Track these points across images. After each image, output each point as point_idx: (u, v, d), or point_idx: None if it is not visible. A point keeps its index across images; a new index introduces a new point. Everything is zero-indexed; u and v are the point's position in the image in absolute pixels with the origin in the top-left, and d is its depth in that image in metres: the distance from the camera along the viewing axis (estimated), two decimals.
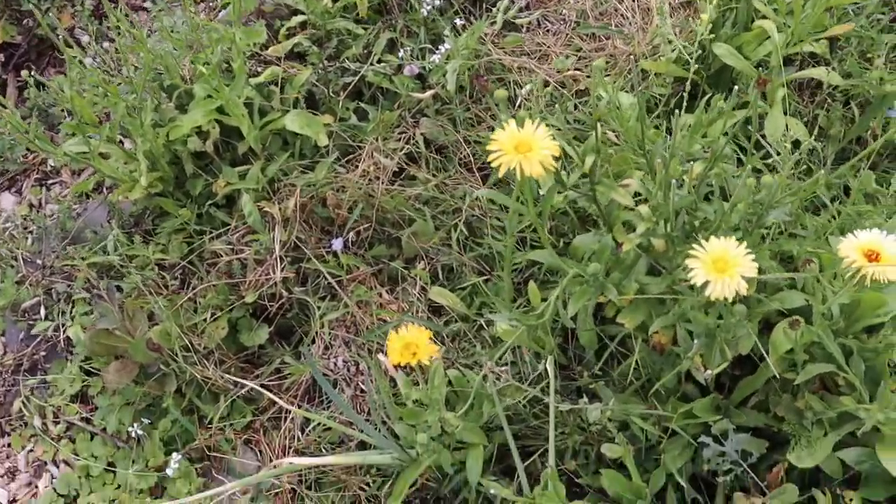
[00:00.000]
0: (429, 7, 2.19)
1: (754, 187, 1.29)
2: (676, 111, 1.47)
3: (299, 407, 1.81)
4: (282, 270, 1.86)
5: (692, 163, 1.43)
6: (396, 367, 1.35)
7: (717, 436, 1.52)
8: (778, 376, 1.55)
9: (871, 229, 1.27)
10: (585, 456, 1.66)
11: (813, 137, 1.96)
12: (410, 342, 1.32)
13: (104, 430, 1.89)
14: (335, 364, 1.81)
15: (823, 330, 1.42)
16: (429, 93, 2.07)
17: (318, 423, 1.76)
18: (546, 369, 1.53)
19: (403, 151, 2.04)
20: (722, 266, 1.16)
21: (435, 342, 1.70)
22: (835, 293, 1.42)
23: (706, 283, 1.15)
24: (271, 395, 1.66)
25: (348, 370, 1.79)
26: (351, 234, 1.92)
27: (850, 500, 1.52)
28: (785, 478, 1.59)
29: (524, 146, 1.18)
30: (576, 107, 2.05)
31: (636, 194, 1.56)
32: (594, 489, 1.64)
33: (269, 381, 1.86)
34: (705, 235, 1.28)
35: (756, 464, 1.61)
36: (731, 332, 1.41)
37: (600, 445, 1.60)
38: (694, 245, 1.18)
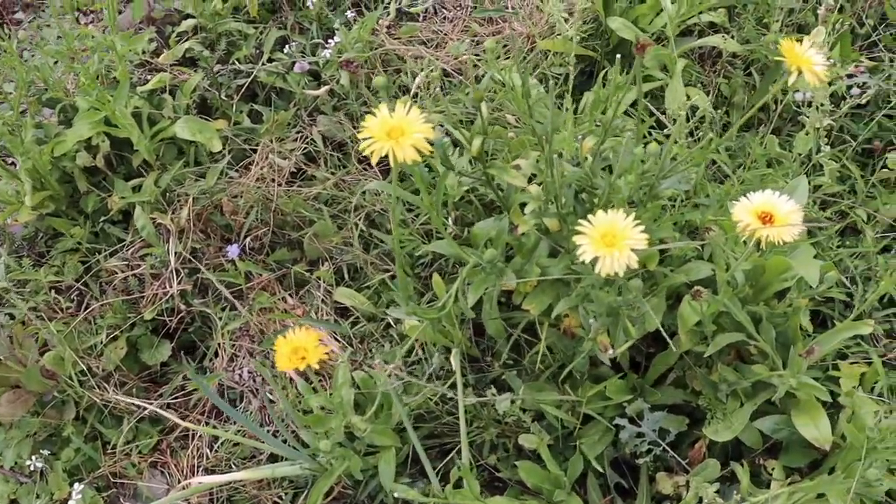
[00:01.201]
0: (313, 0, 2.12)
1: (643, 157, 1.25)
2: (567, 90, 1.43)
3: (207, 423, 1.73)
4: (179, 283, 1.78)
5: (584, 138, 1.39)
6: (285, 372, 1.28)
7: (633, 417, 1.48)
8: (690, 350, 1.52)
9: (764, 191, 1.23)
10: (504, 448, 1.61)
11: (711, 104, 1.93)
12: (298, 346, 1.26)
13: (1, 466, 1.79)
14: (240, 376, 1.74)
15: (730, 298, 1.39)
16: (323, 89, 2.01)
17: (227, 440, 1.68)
18: (455, 365, 1.47)
19: (301, 151, 1.97)
20: (610, 240, 1.11)
21: (343, 344, 1.64)
22: (738, 260, 1.38)
23: (595, 259, 1.10)
24: (172, 417, 1.58)
25: (254, 381, 1.72)
26: (248, 239, 1.84)
27: (772, 469, 1.49)
28: (707, 453, 1.56)
29: (396, 131, 1.12)
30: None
31: (535, 176, 1.51)
32: (515, 482, 1.59)
33: (174, 399, 1.78)
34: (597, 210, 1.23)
35: (678, 441, 1.58)
36: (634, 310, 1.37)
37: (518, 437, 1.55)
38: (580, 221, 1.13)
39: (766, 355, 1.45)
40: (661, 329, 1.47)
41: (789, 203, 1.21)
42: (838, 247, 1.72)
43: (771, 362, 1.44)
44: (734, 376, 1.45)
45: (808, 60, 1.17)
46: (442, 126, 1.46)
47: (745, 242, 1.31)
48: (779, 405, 1.51)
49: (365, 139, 1.12)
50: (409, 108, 1.14)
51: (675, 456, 1.50)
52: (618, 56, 1.41)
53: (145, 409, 1.72)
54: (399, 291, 1.36)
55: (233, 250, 1.76)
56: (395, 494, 1.26)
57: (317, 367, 1.24)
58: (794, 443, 1.46)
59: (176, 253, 1.80)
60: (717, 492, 1.42)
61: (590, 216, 1.13)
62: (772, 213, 1.20)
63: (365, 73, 2.07)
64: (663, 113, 1.91)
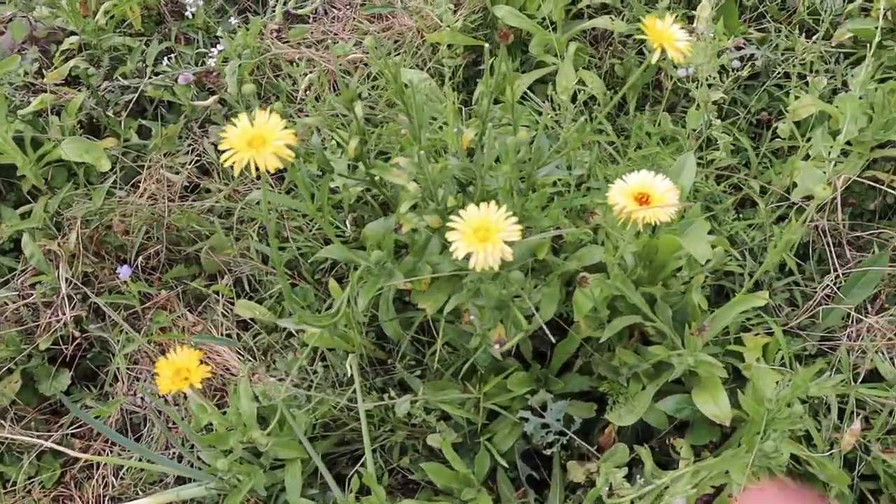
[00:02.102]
0: (193, 10, 2.07)
1: (515, 146, 1.23)
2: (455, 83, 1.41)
3: (111, 452, 1.68)
4: (72, 309, 1.73)
5: (463, 129, 1.37)
6: (166, 394, 1.24)
7: (537, 408, 1.47)
8: (591, 337, 1.51)
9: (640, 171, 1.22)
10: (415, 450, 1.59)
11: (604, 86, 1.93)
12: (181, 367, 1.22)
13: None
14: (142, 399, 1.69)
15: (622, 281, 1.38)
16: (211, 99, 1.96)
17: (132, 466, 1.64)
18: (352, 371, 1.45)
19: (193, 164, 1.92)
20: (484, 234, 1.09)
21: (245, 357, 1.61)
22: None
23: (469, 255, 1.08)
24: (69, 451, 1.53)
25: (157, 407, 1.68)
26: (143, 259, 1.80)
27: (680, 448, 1.48)
28: (616, 438, 1.55)
29: (257, 140, 1.09)
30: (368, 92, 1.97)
31: None
32: (427, 483, 1.57)
33: (77, 429, 1.72)
34: (477, 203, 1.21)
35: (588, 428, 1.57)
36: (524, 301, 1.35)
37: (426, 438, 1.53)
38: (452, 217, 1.11)
39: (665, 336, 1.45)
40: (555, 318, 1.47)
41: (665, 182, 1.20)
42: (734, 220, 1.73)
43: (670, 342, 1.44)
44: (634, 359, 1.45)
45: (670, 37, 1.17)
46: (318, 130, 1.43)
47: (625, 226, 1.31)
48: (684, 383, 1.51)
49: (224, 151, 1.09)
50: (270, 116, 1.11)
51: (584, 444, 1.49)
52: (502, 45, 1.40)
53: (47, 440, 1.67)
54: (287, 302, 1.33)
55: (124, 271, 1.72)
56: None
57: (199, 386, 1.21)
58: (698, 421, 1.46)
59: (67, 279, 1.75)
60: (627, 476, 1.42)
61: (461, 211, 1.11)
62: (648, 193, 1.19)
63: (254, 81, 2.03)
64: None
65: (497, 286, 1.27)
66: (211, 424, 1.52)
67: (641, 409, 1.42)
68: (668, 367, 1.46)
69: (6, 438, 1.68)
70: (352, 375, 1.53)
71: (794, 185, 1.74)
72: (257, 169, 1.08)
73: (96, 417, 1.69)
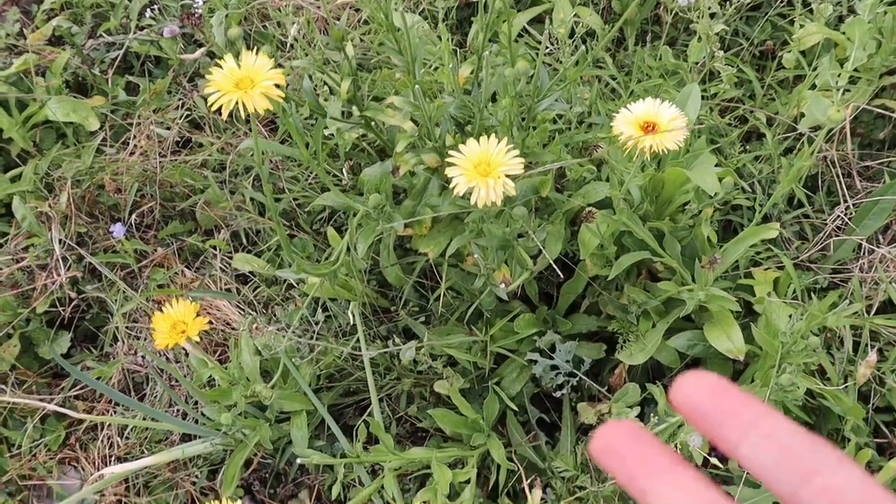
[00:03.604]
0: None
1: (514, 79, 1.19)
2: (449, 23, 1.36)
3: (115, 412, 1.66)
4: (67, 271, 1.69)
5: (458, 66, 1.32)
6: (166, 348, 1.21)
7: (545, 350, 1.44)
8: (598, 276, 1.47)
9: (645, 100, 1.18)
10: (422, 398, 1.56)
11: (601, 21, 1.88)
12: (178, 321, 1.19)
13: None
14: (143, 358, 1.66)
15: (629, 217, 1.34)
16: (199, 51, 1.90)
17: (136, 426, 1.61)
18: (355, 319, 1.41)
19: (184, 119, 1.88)
20: (485, 169, 1.05)
21: (245, 311, 1.58)
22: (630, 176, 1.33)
23: (471, 191, 1.05)
24: (72, 413, 1.50)
25: (155, 367, 1.64)
26: (135, 217, 1.76)
27: None
28: (627, 378, 1.53)
29: (245, 81, 1.05)
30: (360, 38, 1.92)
31: None
32: (436, 430, 1.54)
33: (79, 391, 1.70)
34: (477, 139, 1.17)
35: (598, 370, 1.54)
36: (529, 240, 1.32)
37: (433, 385, 1.51)
38: (451, 152, 1.07)
39: (674, 271, 1.41)
40: (563, 256, 1.43)
41: (671, 110, 1.16)
42: (740, 152, 1.68)
43: (679, 278, 1.41)
44: (643, 296, 1.41)
45: None
46: (310, 76, 1.39)
47: (631, 158, 1.26)
48: (694, 320, 1.48)
49: (211, 93, 1.04)
50: (258, 56, 1.07)
51: (594, 384, 1.46)
52: None
53: (50, 403, 1.64)
54: (286, 252, 1.29)
55: (117, 229, 1.68)
56: (300, 461, 1.20)
57: (197, 339, 1.17)
58: (710, 357, 1.43)
59: (60, 240, 1.71)
60: (639, 416, 1.39)
61: (461, 146, 1.07)
62: (654, 121, 1.15)
63: (244, 31, 1.98)
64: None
65: (500, 225, 1.23)
66: (213, 380, 1.49)
67: (653, 347, 1.39)
68: (678, 304, 1.43)
69: (8, 403, 1.65)
70: (355, 324, 1.50)
71: (802, 115, 1.69)
72: (247, 114, 1.04)
73: (97, 378, 1.66)
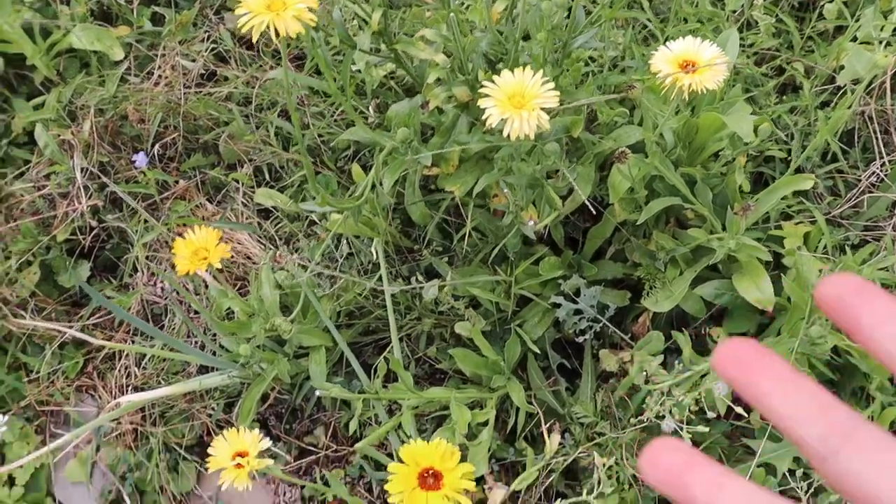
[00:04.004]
0: None
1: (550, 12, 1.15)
2: None
3: (133, 341, 1.65)
4: (88, 199, 1.68)
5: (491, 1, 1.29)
6: (186, 276, 1.20)
7: (570, 294, 1.41)
8: (626, 221, 1.45)
9: (684, 38, 1.14)
10: (442, 339, 1.55)
11: None
12: (199, 247, 1.17)
13: None
14: (162, 289, 1.65)
15: (660, 161, 1.31)
16: None
17: (155, 355, 1.61)
18: (378, 255, 1.39)
19: (209, 52, 1.85)
20: (519, 101, 1.03)
21: (266, 246, 1.56)
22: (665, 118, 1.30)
23: (503, 123, 1.02)
24: (92, 339, 1.49)
25: (177, 293, 1.64)
26: (160, 148, 1.74)
27: (717, 337, 1.43)
28: (651, 326, 1.50)
29: (277, 4, 1.02)
30: None
31: None
32: (455, 372, 1.53)
33: (98, 319, 1.69)
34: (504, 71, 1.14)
35: (622, 317, 1.52)
36: (559, 180, 1.29)
37: (454, 326, 1.49)
38: (485, 83, 1.04)
39: (704, 219, 1.38)
40: (591, 200, 1.41)
41: (712, 48, 1.13)
42: (776, 103, 1.64)
43: (709, 226, 1.38)
44: (671, 243, 1.39)
45: None
46: (339, 6, 1.36)
47: (666, 100, 1.23)
48: (721, 270, 1.45)
49: (242, 15, 1.01)
50: None
51: (617, 331, 1.44)
52: None
53: (66, 333, 1.64)
54: (310, 183, 1.27)
55: (140, 159, 1.66)
56: (318, 393, 1.19)
57: (219, 266, 1.16)
58: (737, 308, 1.40)
59: (82, 169, 1.69)
60: (662, 364, 1.37)
61: (495, 77, 1.05)
62: (693, 60, 1.12)
63: None
64: None
65: (531, 163, 1.20)
66: (232, 313, 1.48)
67: (679, 295, 1.36)
68: (706, 253, 1.40)
69: (28, 328, 1.65)
70: (377, 262, 1.48)
71: (841, 68, 1.65)
72: (275, 47, 1.01)
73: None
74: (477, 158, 1.45)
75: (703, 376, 1.33)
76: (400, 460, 1.03)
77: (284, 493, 1.56)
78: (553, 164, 1.14)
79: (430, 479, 1.01)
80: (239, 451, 1.06)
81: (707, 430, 1.18)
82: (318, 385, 1.38)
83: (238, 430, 1.06)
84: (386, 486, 1.01)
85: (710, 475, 0.33)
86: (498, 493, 1.32)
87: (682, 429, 1.19)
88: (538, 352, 1.42)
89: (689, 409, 1.22)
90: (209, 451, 1.08)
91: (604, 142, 1.37)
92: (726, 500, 0.32)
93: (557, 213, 1.27)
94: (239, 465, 1.04)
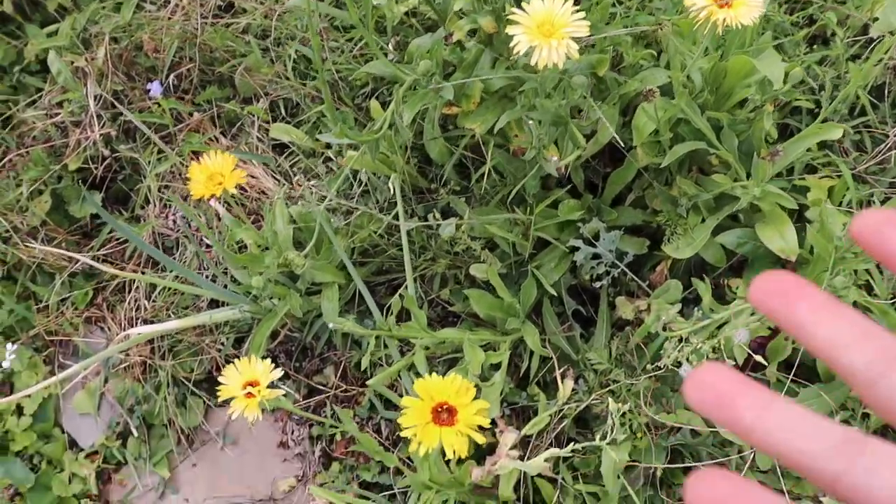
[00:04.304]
0: None
1: None
2: None
3: (143, 273, 1.63)
4: (101, 127, 1.65)
5: None
6: (200, 200, 1.17)
7: (589, 238, 1.39)
8: (648, 167, 1.42)
9: None
10: (456, 281, 1.53)
11: None
12: (215, 172, 1.15)
13: None
14: (174, 222, 1.63)
15: (687, 103, 1.28)
16: None
17: (165, 288, 1.59)
18: (394, 190, 1.37)
19: None
20: (548, 30, 0.99)
21: (280, 181, 1.54)
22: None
23: (531, 51, 0.99)
24: (105, 268, 1.47)
25: (189, 226, 1.61)
26: (175, 78, 1.71)
27: (736, 288, 1.41)
28: (669, 275, 1.48)
29: None
30: None
31: None
32: (468, 315, 1.51)
33: (108, 251, 1.67)
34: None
35: (639, 265, 1.50)
36: (585, 120, 1.26)
37: (469, 268, 1.47)
38: (514, 10, 1.01)
39: (729, 166, 1.35)
40: (610, 146, 1.38)
41: None
42: (805, 53, 1.60)
43: (734, 173, 1.35)
44: (694, 189, 1.36)
45: None
46: None
47: (696, 41, 1.20)
48: (741, 220, 1.43)
49: None
50: None
51: (636, 278, 1.42)
52: None
53: (77, 262, 1.62)
54: (328, 112, 1.24)
55: (154, 87, 1.63)
56: (331, 326, 1.17)
57: (234, 191, 1.13)
58: (759, 257, 1.37)
59: (96, 96, 1.66)
60: (680, 313, 1.35)
61: (524, 4, 1.01)
62: None
63: None
64: None
65: (555, 99, 1.17)
66: (244, 247, 1.46)
67: (700, 242, 1.34)
68: (729, 201, 1.37)
69: (37, 256, 1.63)
70: (392, 200, 1.46)
71: (875, 19, 1.61)
72: None
73: (126, 240, 1.64)
74: (499, 97, 1.42)
75: (720, 326, 1.31)
76: (414, 396, 1.01)
77: (293, 432, 1.55)
78: (579, 100, 1.11)
79: (443, 414, 0.99)
80: (250, 380, 1.04)
81: None
82: (330, 319, 1.36)
83: (249, 360, 1.05)
84: (399, 420, 0.99)
85: (758, 396, 0.32)
86: (509, 437, 1.30)
87: None
88: (555, 294, 1.39)
89: (707, 357, 1.20)
90: (219, 381, 1.06)
91: (629, 83, 1.34)
92: (772, 421, 0.31)
93: (581, 152, 1.24)
94: (249, 395, 1.02)
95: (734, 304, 1.31)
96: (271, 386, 1.05)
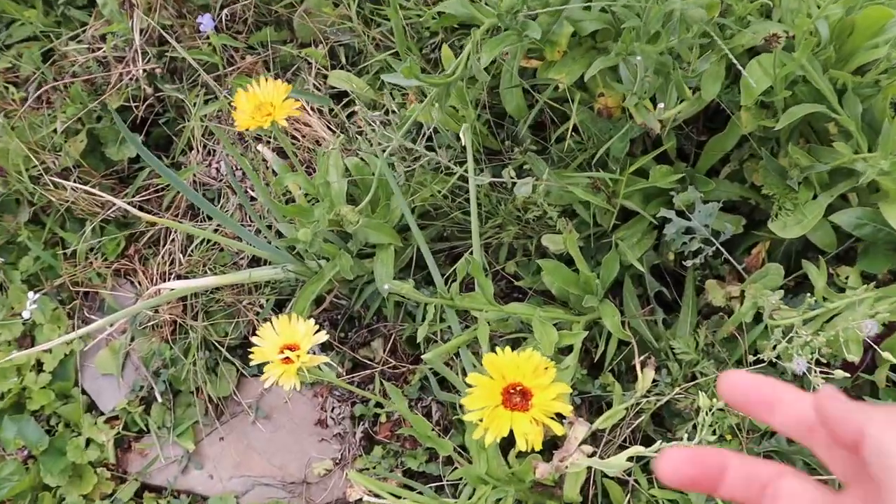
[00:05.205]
0: None
1: None
2: None
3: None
4: (146, 63, 1.51)
5: None
6: (246, 132, 1.02)
7: (683, 210, 1.22)
8: (752, 136, 1.24)
9: None
10: (524, 252, 1.36)
11: None
12: (264, 102, 0.99)
13: None
14: (217, 170, 1.49)
15: (808, 58, 1.10)
16: None
17: (203, 242, 1.45)
18: (465, 140, 1.21)
19: None
20: None
21: (336, 132, 1.39)
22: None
23: None
24: (140, 214, 1.33)
25: (234, 175, 1.47)
26: (226, 13, 1.56)
27: (846, 278, 1.23)
28: (766, 259, 1.31)
29: None
30: None
31: None
32: (536, 292, 1.35)
33: (144, 198, 1.53)
34: None
35: (732, 247, 1.32)
36: (691, 73, 1.09)
37: (540, 238, 1.30)
38: None
39: (849, 136, 1.17)
40: (707, 114, 1.21)
41: None
42: None
43: (854, 144, 1.17)
44: (808, 160, 1.18)
45: None
46: None
47: None
48: (852, 203, 1.25)
49: None
50: None
51: (732, 260, 1.24)
52: None
53: (112, 207, 1.49)
54: (398, 43, 1.08)
55: (206, 21, 1.48)
56: (385, 288, 1.02)
57: (284, 123, 0.98)
58: (878, 243, 1.19)
59: (142, 30, 1.52)
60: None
61: None
62: None
63: None
64: None
65: (661, 41, 1.00)
66: (292, 199, 1.31)
67: (813, 219, 1.16)
68: (846, 177, 1.20)
69: (67, 199, 1.49)
70: (462, 153, 1.30)
71: None
72: None
73: (166, 188, 1.50)
74: (587, 47, 1.25)
75: (829, 319, 1.13)
76: (482, 373, 0.85)
77: (333, 409, 1.40)
78: (694, 39, 0.94)
79: (516, 396, 0.83)
80: (289, 343, 0.89)
81: (847, 375, 0.99)
82: (382, 283, 1.20)
83: (289, 319, 0.89)
84: (460, 402, 0.83)
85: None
86: (580, 430, 1.14)
87: (813, 371, 0.99)
88: (642, 269, 1.23)
89: (819, 352, 1.03)
90: (254, 345, 0.91)
91: (740, 34, 1.16)
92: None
93: (688, 103, 1.07)
94: (287, 360, 0.87)
95: (847, 295, 1.13)
96: (314, 353, 0.89)
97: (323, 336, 0.89)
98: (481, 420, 0.81)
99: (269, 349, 0.89)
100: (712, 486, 0.37)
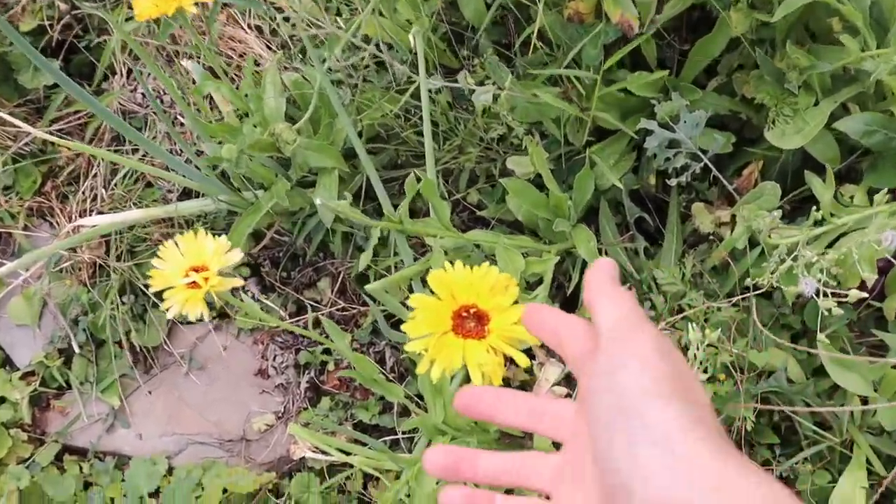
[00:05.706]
0: None
1: None
2: None
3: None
4: None
5: None
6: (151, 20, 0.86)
7: (665, 123, 1.07)
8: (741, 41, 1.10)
9: None
10: (488, 178, 1.21)
11: None
12: None
13: None
14: (142, 96, 1.32)
15: None
16: None
17: (128, 175, 1.29)
18: (415, 44, 1.05)
19: None
20: None
21: (275, 50, 1.23)
22: None
23: None
24: (51, 137, 1.16)
25: (162, 100, 1.30)
26: None
27: (851, 196, 1.08)
28: (760, 179, 1.16)
29: None
30: None
31: None
32: (501, 221, 1.20)
33: (62, 126, 1.37)
34: None
35: (720, 169, 1.17)
36: None
37: (505, 161, 1.15)
38: None
39: (855, 33, 1.03)
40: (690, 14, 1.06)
41: None
42: None
43: (861, 42, 1.02)
44: (808, 60, 1.03)
45: None
46: None
47: None
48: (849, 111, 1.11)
49: None
50: None
51: (723, 178, 1.10)
52: None
53: (27, 137, 1.32)
54: None
55: None
56: (318, 201, 0.86)
57: (193, 10, 0.82)
58: (888, 154, 1.05)
59: None
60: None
61: None
62: None
63: None
64: None
65: None
66: (220, 115, 1.15)
67: (815, 127, 1.01)
68: (849, 82, 1.05)
69: None
70: (413, 69, 1.14)
71: None
72: None
73: (86, 117, 1.33)
74: None
75: (839, 236, 0.99)
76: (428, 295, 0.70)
77: (274, 357, 1.25)
78: None
79: (470, 321, 0.67)
80: (196, 265, 0.73)
81: (865, 295, 0.84)
82: (324, 200, 1.04)
83: (195, 235, 0.74)
84: (402, 327, 0.67)
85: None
86: (552, 371, 1.00)
87: (824, 294, 0.85)
88: (620, 186, 1.08)
89: (826, 272, 0.88)
90: (154, 266, 0.75)
91: None
92: None
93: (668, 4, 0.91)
94: (193, 284, 0.72)
95: (854, 210, 0.99)
96: (227, 276, 0.74)
97: (237, 255, 0.74)
98: (426, 350, 0.66)
99: (172, 273, 0.73)
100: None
